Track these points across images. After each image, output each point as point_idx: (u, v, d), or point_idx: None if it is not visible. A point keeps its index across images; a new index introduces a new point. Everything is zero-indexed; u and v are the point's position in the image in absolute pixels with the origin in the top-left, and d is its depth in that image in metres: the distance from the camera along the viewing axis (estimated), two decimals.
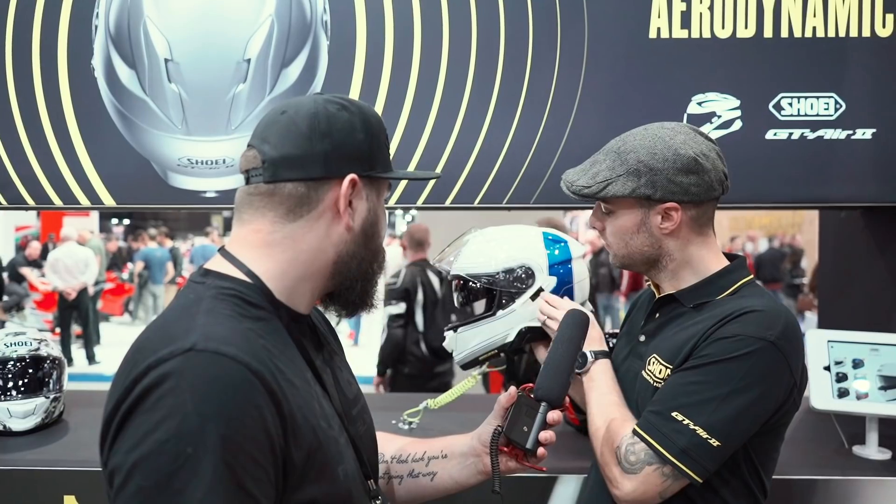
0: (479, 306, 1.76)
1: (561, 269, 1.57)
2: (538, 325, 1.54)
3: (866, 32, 1.86)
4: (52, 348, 1.95)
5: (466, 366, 1.63)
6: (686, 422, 1.17)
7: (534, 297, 1.54)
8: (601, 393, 1.31)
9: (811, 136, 1.88)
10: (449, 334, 1.62)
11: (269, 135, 0.93)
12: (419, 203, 1.91)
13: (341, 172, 0.92)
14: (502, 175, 1.89)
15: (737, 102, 1.88)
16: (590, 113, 1.87)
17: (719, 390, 1.17)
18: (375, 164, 0.96)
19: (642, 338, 1.36)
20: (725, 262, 1.32)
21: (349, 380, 1.06)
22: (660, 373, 1.27)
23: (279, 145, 0.91)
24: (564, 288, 1.58)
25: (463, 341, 1.59)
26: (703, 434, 1.16)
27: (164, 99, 1.84)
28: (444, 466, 1.20)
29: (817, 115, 1.87)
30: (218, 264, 0.93)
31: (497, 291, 1.55)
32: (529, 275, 1.55)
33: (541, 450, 1.10)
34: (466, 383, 1.83)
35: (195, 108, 1.84)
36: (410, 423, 2.04)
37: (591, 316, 1.48)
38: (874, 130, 1.87)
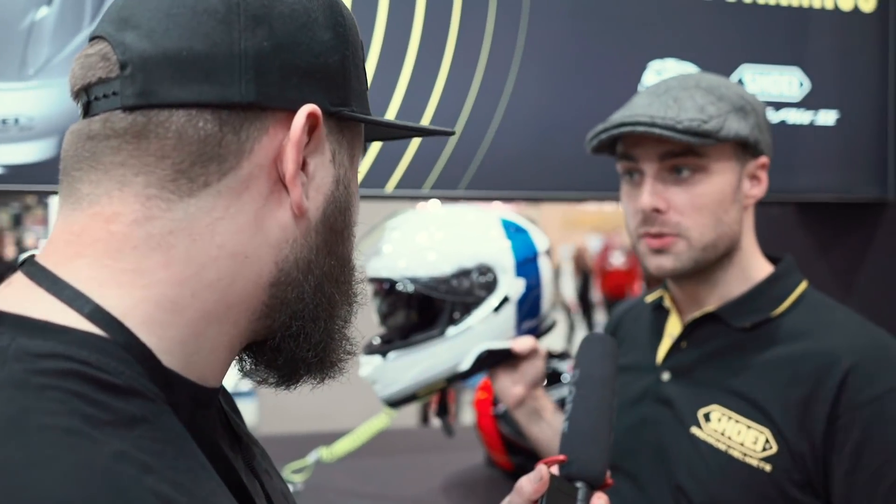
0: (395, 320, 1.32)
1: (528, 268, 1.21)
2: (502, 346, 1.14)
3: (829, 5, 1.65)
4: None
5: (398, 403, 1.19)
6: None
7: (497, 308, 1.15)
8: None
9: (774, 119, 1.63)
10: (373, 361, 1.17)
11: (139, 14, 0.46)
12: None
13: (290, 98, 0.48)
14: (423, 154, 1.44)
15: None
16: (533, 77, 1.48)
17: None
18: (350, 94, 0.51)
19: (666, 376, 0.98)
20: (766, 260, 0.99)
21: (283, 491, 0.58)
22: (739, 435, 0.86)
23: (161, 33, 0.45)
24: (534, 293, 1.20)
25: (395, 371, 1.15)
26: None
27: None
28: None
29: (781, 94, 1.62)
30: (22, 298, 0.44)
31: (448, 303, 1.13)
32: (491, 278, 1.16)
33: None
34: (376, 423, 1.38)
35: None
36: (295, 483, 1.54)
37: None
38: (837, 114, 1.66)
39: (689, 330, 0.98)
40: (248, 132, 0.47)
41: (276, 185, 0.48)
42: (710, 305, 0.96)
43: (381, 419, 1.36)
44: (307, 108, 0.48)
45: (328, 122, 0.50)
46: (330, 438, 1.48)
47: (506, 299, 1.17)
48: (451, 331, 1.16)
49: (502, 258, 1.19)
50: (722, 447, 0.89)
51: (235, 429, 0.56)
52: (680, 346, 0.98)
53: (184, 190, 0.46)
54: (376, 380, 1.21)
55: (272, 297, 0.49)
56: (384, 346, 1.20)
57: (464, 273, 1.17)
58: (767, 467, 0.86)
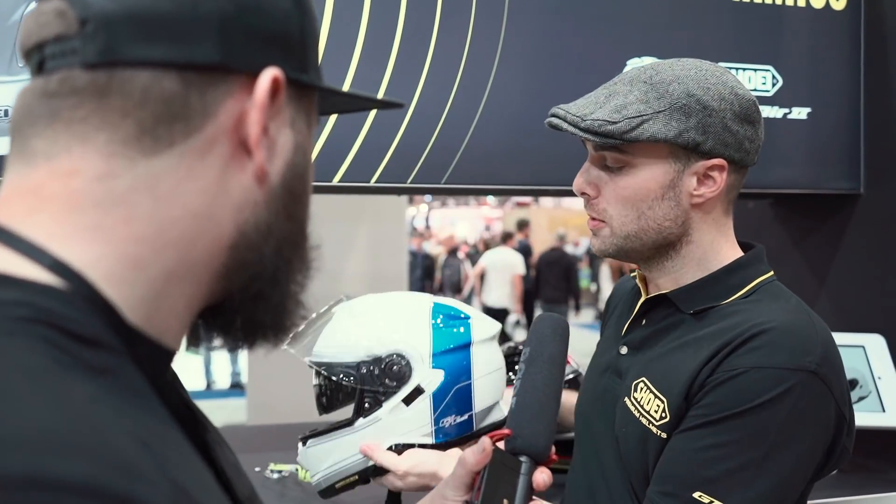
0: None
1: (451, 359, 1.11)
2: (418, 440, 1.09)
3: (801, 2, 1.70)
4: None
5: (326, 493, 1.13)
6: None
7: (408, 399, 1.09)
8: None
9: None
10: (300, 447, 1.14)
11: None
12: None
13: (253, 61, 0.48)
14: (405, 147, 1.47)
15: None
16: (513, 73, 1.52)
17: (752, 452, 0.85)
18: (308, 62, 0.52)
19: (624, 350, 1.02)
20: (740, 253, 1.01)
21: (236, 463, 0.59)
22: (648, 404, 0.93)
23: None
24: (458, 386, 1.11)
25: (314, 459, 1.12)
26: None
27: None
28: None
29: (755, 90, 1.67)
30: None
31: (358, 391, 1.10)
32: (404, 367, 1.09)
33: None
34: None
35: None
36: (280, 471, 1.57)
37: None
38: (809, 110, 1.71)
39: (648, 308, 1.01)
40: (213, 94, 0.47)
41: (238, 148, 0.48)
42: (666, 288, 0.99)
43: None
44: (271, 72, 0.48)
45: (288, 89, 0.50)
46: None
47: (418, 390, 1.09)
48: (361, 422, 1.09)
49: (418, 346, 1.10)
50: (636, 415, 0.94)
51: (187, 400, 0.55)
52: (640, 323, 1.02)
53: (148, 149, 0.45)
54: (304, 466, 1.17)
55: (231, 259, 0.49)
56: (307, 434, 1.14)
57: (374, 361, 1.09)
58: (663, 435, 0.91)
